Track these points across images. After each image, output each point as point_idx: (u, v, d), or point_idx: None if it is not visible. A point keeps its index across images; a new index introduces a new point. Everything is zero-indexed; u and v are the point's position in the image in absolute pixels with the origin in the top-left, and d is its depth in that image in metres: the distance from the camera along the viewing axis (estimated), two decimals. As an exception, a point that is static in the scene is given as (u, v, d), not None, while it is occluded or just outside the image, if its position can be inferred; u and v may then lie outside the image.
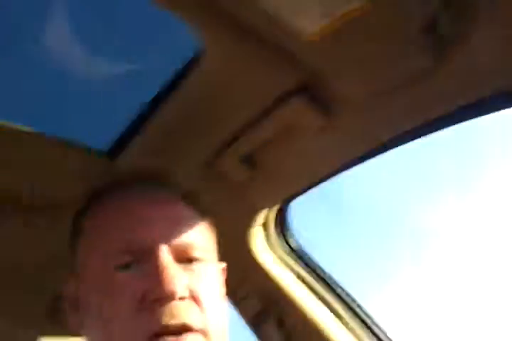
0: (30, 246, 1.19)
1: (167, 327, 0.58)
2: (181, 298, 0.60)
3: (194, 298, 0.62)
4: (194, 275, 0.64)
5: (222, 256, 0.80)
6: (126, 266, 0.63)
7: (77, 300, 0.69)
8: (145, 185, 0.73)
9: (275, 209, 1.13)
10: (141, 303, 0.59)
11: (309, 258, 1.19)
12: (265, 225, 1.16)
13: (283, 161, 1.01)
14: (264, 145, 0.96)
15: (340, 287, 1.17)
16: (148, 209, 0.68)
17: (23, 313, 1.43)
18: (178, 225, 0.67)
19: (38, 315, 1.43)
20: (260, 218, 1.13)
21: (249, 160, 1.00)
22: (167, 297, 0.59)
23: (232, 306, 1.22)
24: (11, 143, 0.93)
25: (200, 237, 0.69)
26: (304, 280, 1.17)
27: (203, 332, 0.61)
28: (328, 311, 1.14)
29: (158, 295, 0.59)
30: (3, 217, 1.08)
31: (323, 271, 1.18)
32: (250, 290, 1.18)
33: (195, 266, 0.65)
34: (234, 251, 1.12)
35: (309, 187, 1.07)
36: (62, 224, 1.07)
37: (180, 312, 0.59)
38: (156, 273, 0.60)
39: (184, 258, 0.65)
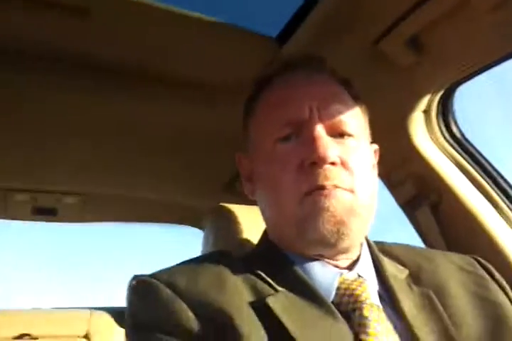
0: (202, 127, 1.35)
1: (321, 186, 0.69)
2: (333, 163, 0.70)
3: (344, 165, 0.72)
4: (345, 148, 0.73)
5: (381, 140, 0.83)
6: (286, 139, 0.74)
7: (251, 173, 0.82)
8: (308, 69, 0.81)
9: (439, 95, 1.10)
10: (300, 168, 0.71)
11: (471, 146, 1.17)
12: (427, 111, 1.14)
13: (451, 43, 0.96)
14: (431, 26, 0.92)
15: (502, 177, 1.14)
16: (308, 89, 0.77)
17: (201, 186, 1.67)
18: (332, 104, 0.75)
19: (214, 186, 1.65)
20: (423, 104, 1.11)
21: (415, 43, 0.97)
22: (320, 161, 0.69)
23: (387, 189, 1.27)
24: (184, 28, 1.02)
25: (352, 117, 0.77)
26: (463, 168, 1.16)
27: (352, 191, 0.71)
28: (485, 200, 1.13)
29: (312, 160, 0.70)
30: (182, 98, 1.24)
31: (485, 160, 1.15)
32: (406, 175, 1.21)
33: (346, 140, 0.74)
34: (393, 136, 1.15)
35: (478, 72, 1.01)
36: (234, 106, 1.20)
37: (332, 174, 0.70)
38: (310, 142, 0.71)
39: (336, 132, 0.74)
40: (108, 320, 2.02)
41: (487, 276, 0.80)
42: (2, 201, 1.62)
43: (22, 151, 1.37)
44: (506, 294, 0.79)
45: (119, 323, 2.02)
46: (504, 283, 0.80)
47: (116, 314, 2.04)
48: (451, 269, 0.80)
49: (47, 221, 1.79)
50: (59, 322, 2.00)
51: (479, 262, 0.83)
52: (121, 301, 2.09)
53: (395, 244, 0.87)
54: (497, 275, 0.81)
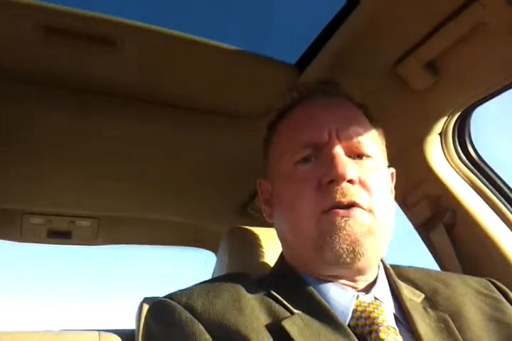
0: (221, 152, 1.36)
1: (338, 203, 0.70)
2: (351, 181, 0.71)
3: (362, 184, 0.72)
4: (363, 168, 0.74)
5: (397, 162, 0.84)
6: (306, 160, 0.75)
7: (270, 196, 0.83)
8: (327, 95, 0.83)
9: (455, 117, 1.11)
10: (318, 186, 0.72)
11: (488, 168, 1.17)
12: (444, 133, 1.15)
13: (468, 66, 0.97)
14: (449, 49, 0.94)
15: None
16: (326, 113, 0.79)
17: (215, 209, 1.68)
18: (350, 126, 0.77)
19: (228, 210, 1.66)
20: (439, 126, 1.12)
21: (433, 67, 0.99)
22: (338, 178, 0.70)
23: (402, 212, 1.27)
24: (205, 57, 1.04)
25: (370, 139, 0.78)
26: (478, 190, 1.16)
27: (370, 210, 0.71)
28: (501, 221, 1.13)
29: (330, 178, 0.71)
30: (203, 124, 1.26)
31: (501, 181, 1.15)
32: (422, 196, 1.21)
33: (364, 161, 0.75)
34: (409, 158, 1.16)
35: (494, 95, 1.02)
36: (253, 132, 1.22)
37: (350, 191, 0.71)
38: (329, 161, 0.72)
39: (355, 154, 0.75)
40: (117, 341, 2.00)
41: (503, 299, 0.80)
42: (18, 224, 1.63)
43: (37, 174, 1.39)
44: None
45: (128, 345, 2.00)
46: None
47: (125, 336, 2.02)
48: (467, 293, 0.79)
49: (61, 244, 1.80)
50: None
51: (495, 284, 0.83)
52: (130, 323, 2.09)
53: (411, 267, 0.87)
54: None
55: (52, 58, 1.01)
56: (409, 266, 0.87)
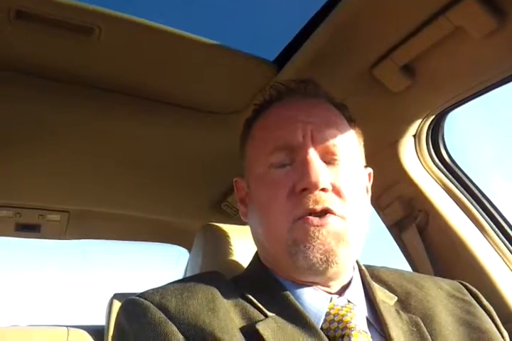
0: (195, 148, 1.35)
1: (311, 210, 0.69)
2: (324, 190, 0.71)
3: (336, 191, 0.72)
4: (338, 173, 0.73)
5: (370, 163, 0.85)
6: (280, 164, 0.74)
7: (246, 196, 0.83)
8: (304, 93, 0.82)
9: (430, 120, 1.12)
10: (291, 193, 0.71)
11: (460, 171, 1.19)
12: (418, 136, 1.16)
13: (443, 70, 0.98)
14: (425, 53, 0.94)
15: (489, 201, 1.16)
16: (303, 114, 0.77)
17: (189, 206, 1.67)
18: (326, 128, 0.76)
19: (202, 207, 1.65)
20: (413, 128, 1.13)
21: (409, 69, 0.99)
22: (312, 187, 0.70)
23: (375, 211, 1.28)
24: (183, 50, 1.03)
25: (346, 141, 0.77)
26: (450, 192, 1.17)
27: (343, 217, 0.71)
28: (471, 223, 1.15)
29: (304, 186, 0.70)
30: (178, 119, 1.25)
31: (473, 184, 1.17)
32: (395, 197, 1.23)
33: (339, 165, 0.74)
34: (383, 159, 1.17)
35: (469, 99, 1.04)
36: (229, 128, 1.21)
37: (323, 199, 0.70)
38: (302, 168, 0.71)
39: (330, 157, 0.74)
40: (86, 337, 1.98)
41: (474, 302, 0.81)
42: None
43: (7, 167, 1.35)
44: (493, 320, 0.79)
45: (97, 341, 1.98)
46: (491, 308, 0.81)
47: (94, 332, 2.00)
48: (439, 296, 0.80)
49: (30, 237, 1.76)
50: (36, 339, 1.95)
51: (467, 287, 0.84)
52: (98, 319, 2.07)
53: (384, 267, 0.87)
54: (484, 301, 0.82)
55: (26, 45, 0.98)
56: (382, 267, 0.87)
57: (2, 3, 0.86)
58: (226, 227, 1.15)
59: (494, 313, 0.81)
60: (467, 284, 0.85)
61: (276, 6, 1.00)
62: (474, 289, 0.84)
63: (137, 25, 0.93)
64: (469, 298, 0.81)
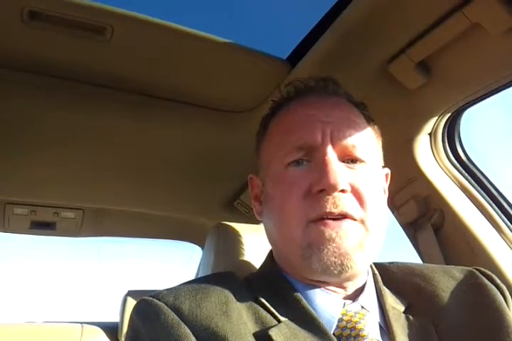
0: (209, 146, 1.35)
1: (329, 213, 0.68)
2: (343, 191, 0.69)
3: (355, 193, 0.70)
4: (356, 174, 0.72)
5: (385, 162, 0.83)
6: (298, 163, 0.73)
7: (260, 194, 0.82)
8: (323, 92, 0.80)
9: (446, 117, 1.10)
10: (308, 193, 0.70)
11: (476, 169, 1.17)
12: (433, 134, 1.14)
13: (459, 67, 0.97)
14: (441, 49, 0.93)
15: (507, 200, 1.13)
16: (322, 113, 0.75)
17: (202, 203, 1.67)
18: (345, 128, 0.74)
19: (215, 204, 1.65)
20: (429, 126, 1.12)
21: (425, 66, 0.98)
22: (329, 188, 0.68)
23: (389, 211, 1.27)
24: (196, 48, 1.02)
25: (365, 142, 0.75)
26: (466, 190, 1.16)
27: (361, 221, 0.69)
28: (487, 222, 1.13)
29: (322, 187, 0.68)
30: (191, 117, 1.25)
31: (489, 182, 1.15)
32: (410, 196, 1.21)
33: (358, 165, 0.73)
34: (398, 158, 1.15)
35: (485, 96, 1.02)
36: (242, 126, 1.21)
37: (342, 201, 0.68)
38: (321, 168, 0.69)
39: (349, 158, 0.72)
40: (99, 334, 2.00)
41: (487, 282, 0.78)
42: (1, 214, 1.61)
43: (22, 165, 1.36)
44: (505, 300, 0.76)
45: (111, 338, 1.99)
46: (504, 287, 0.78)
47: (108, 328, 2.02)
48: (450, 286, 0.78)
49: (45, 235, 1.78)
50: (51, 336, 1.97)
51: (480, 271, 0.81)
52: (113, 316, 2.08)
53: (393, 264, 0.85)
54: (497, 281, 0.79)
55: (39, 45, 0.99)
56: (390, 263, 0.85)
57: (15, 4, 0.86)
58: (238, 226, 1.15)
59: (507, 293, 0.78)
60: (480, 268, 0.82)
61: (289, 4, 1.00)
62: (488, 272, 0.81)
63: (149, 24, 0.93)
64: (481, 280, 0.79)
